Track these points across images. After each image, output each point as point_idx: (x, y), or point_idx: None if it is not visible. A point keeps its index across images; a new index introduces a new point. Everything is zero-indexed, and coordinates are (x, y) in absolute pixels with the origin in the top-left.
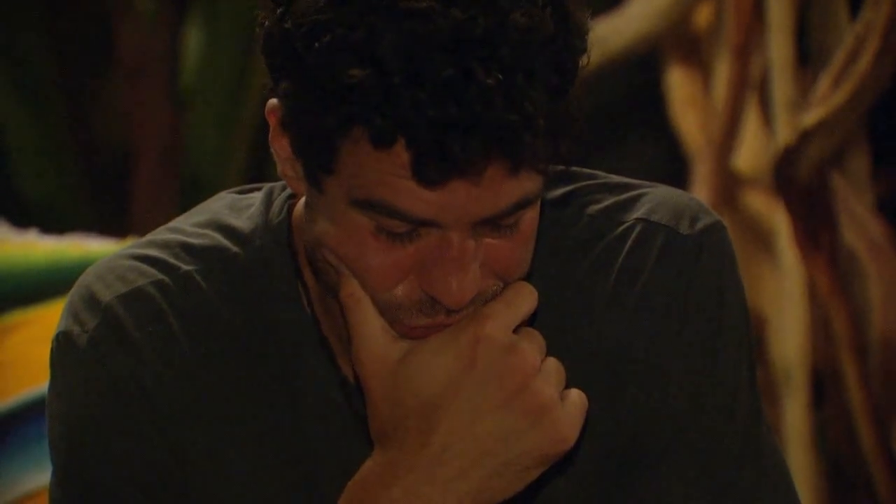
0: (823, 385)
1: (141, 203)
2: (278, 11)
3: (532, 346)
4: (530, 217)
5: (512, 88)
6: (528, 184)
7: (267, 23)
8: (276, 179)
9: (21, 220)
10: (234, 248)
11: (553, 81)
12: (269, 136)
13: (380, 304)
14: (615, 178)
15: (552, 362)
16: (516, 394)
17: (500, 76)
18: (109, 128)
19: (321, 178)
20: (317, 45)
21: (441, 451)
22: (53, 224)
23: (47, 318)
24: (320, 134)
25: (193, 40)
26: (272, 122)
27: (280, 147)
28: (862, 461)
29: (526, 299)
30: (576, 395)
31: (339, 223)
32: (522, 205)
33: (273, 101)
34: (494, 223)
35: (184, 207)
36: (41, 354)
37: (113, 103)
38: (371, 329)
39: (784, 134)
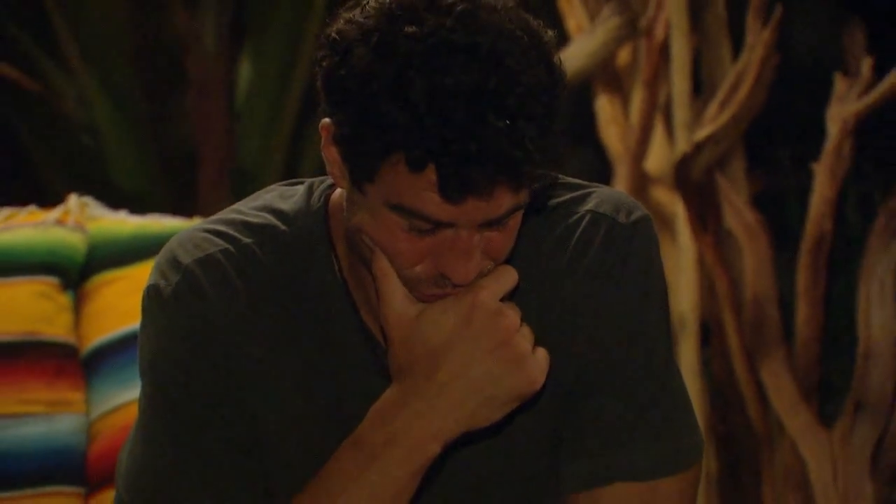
0: (709, 330)
1: (204, 191)
2: (336, 59)
3: (514, 312)
4: (518, 215)
5: (516, 131)
6: (522, 196)
7: (325, 64)
8: (306, 174)
9: (115, 204)
10: (282, 227)
11: (545, 123)
12: (322, 145)
13: (402, 276)
14: (572, 180)
15: (526, 326)
16: (501, 346)
17: (508, 121)
18: (181, 135)
19: (363, 183)
20: (366, 89)
21: (442, 386)
22: (138, 206)
23: (133, 276)
24: (366, 154)
25: (245, 69)
26: (324, 135)
27: (329, 154)
28: (736, 387)
29: (510, 277)
30: (542, 350)
31: (375, 217)
32: (515, 210)
33: (326, 120)
34: (494, 223)
35: (235, 195)
36: (128, 303)
37: (184, 116)
38: (395, 294)
39: (682, 145)
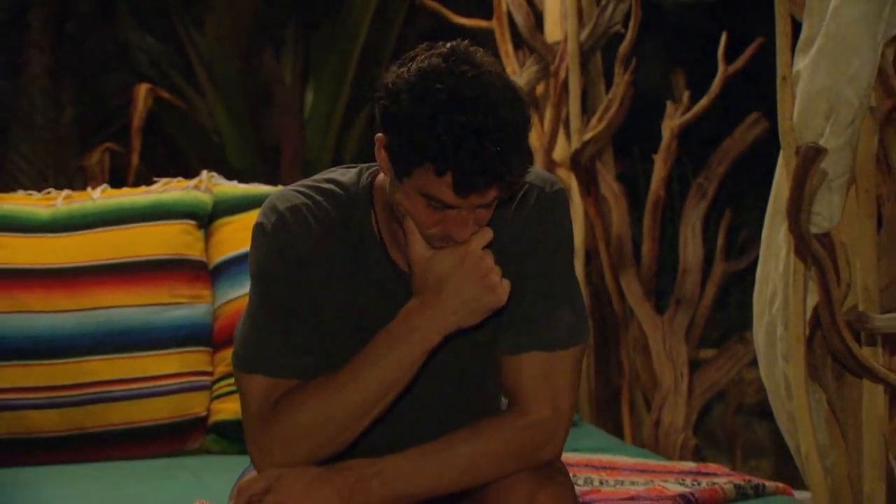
0: (590, 255)
1: (284, 170)
2: (389, 100)
3: (490, 256)
4: (497, 200)
5: (504, 155)
6: (502, 191)
7: (382, 103)
8: (345, 161)
9: (229, 176)
10: (340, 192)
11: (521, 148)
12: (375, 149)
13: (422, 234)
14: None
15: (498, 266)
16: (482, 278)
17: (499, 148)
18: (271, 135)
19: (402, 177)
20: (409, 122)
21: (444, 300)
22: (244, 178)
23: (241, 221)
24: (406, 162)
25: (309, 96)
26: (378, 143)
27: (380, 156)
28: (606, 290)
29: (488, 235)
30: (506, 281)
31: (408, 198)
32: (497, 198)
33: (379, 134)
34: (483, 206)
35: (303, 174)
36: (237, 237)
37: (273, 124)
38: (417, 243)
39: (575, 143)
